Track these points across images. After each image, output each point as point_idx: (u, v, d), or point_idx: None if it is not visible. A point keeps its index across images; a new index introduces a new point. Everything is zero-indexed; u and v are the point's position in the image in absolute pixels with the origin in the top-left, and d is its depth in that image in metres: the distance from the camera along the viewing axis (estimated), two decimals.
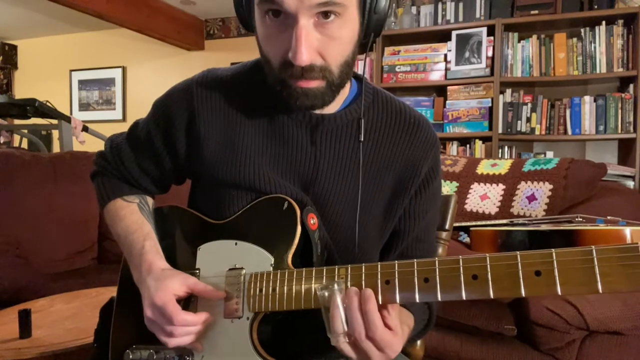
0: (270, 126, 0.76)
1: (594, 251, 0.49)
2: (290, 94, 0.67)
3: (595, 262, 0.49)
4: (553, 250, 0.51)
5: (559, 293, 0.50)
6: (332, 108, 0.76)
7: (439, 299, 0.56)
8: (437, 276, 0.56)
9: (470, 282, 0.54)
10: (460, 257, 0.56)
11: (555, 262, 0.51)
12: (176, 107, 0.78)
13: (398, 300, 0.58)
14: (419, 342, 0.99)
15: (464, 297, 0.55)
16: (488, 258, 0.54)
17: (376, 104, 0.80)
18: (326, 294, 0.59)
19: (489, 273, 0.54)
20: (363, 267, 0.61)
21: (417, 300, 0.57)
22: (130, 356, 0.72)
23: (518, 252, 0.53)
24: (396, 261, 0.59)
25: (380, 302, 0.58)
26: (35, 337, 1.24)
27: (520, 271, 0.52)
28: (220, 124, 0.77)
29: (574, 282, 0.50)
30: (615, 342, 1.38)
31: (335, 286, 0.59)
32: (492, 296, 0.53)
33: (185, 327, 0.66)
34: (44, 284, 1.91)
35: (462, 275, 0.55)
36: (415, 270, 0.57)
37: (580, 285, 0.50)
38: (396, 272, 0.58)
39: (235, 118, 0.77)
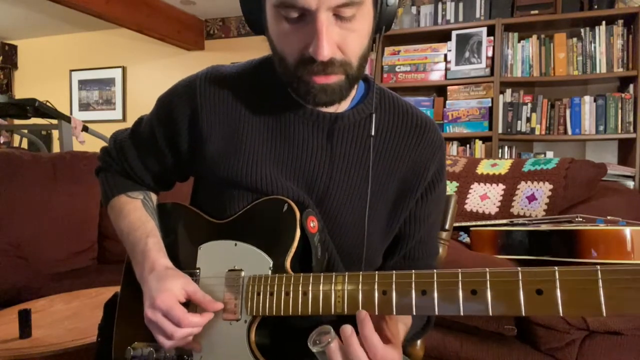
0: (276, 125, 0.75)
1: (599, 272, 0.47)
2: (308, 91, 0.66)
3: (600, 284, 0.47)
4: (556, 268, 0.49)
5: (561, 314, 0.48)
6: (341, 107, 0.75)
7: (436, 312, 0.54)
8: (435, 289, 0.54)
9: (469, 297, 0.53)
10: (460, 270, 0.54)
11: (557, 281, 0.49)
12: (179, 103, 0.77)
13: (394, 312, 0.57)
14: (419, 342, 0.99)
15: (462, 313, 0.52)
16: (488, 273, 0.52)
17: (383, 105, 0.79)
18: (320, 349, 0.57)
19: (489, 289, 0.51)
20: (360, 275, 0.60)
21: (414, 313, 0.56)
22: (132, 353, 0.72)
23: (519, 269, 0.51)
24: (394, 272, 0.58)
25: (377, 313, 0.58)
26: (35, 337, 1.24)
27: (521, 289, 0.50)
28: (224, 121, 0.76)
29: (577, 304, 0.48)
30: (615, 342, 1.38)
31: (329, 339, 0.57)
32: (490, 314, 0.51)
33: (188, 330, 0.66)
34: (44, 284, 1.91)
35: (460, 290, 0.53)
36: (413, 282, 0.56)
37: (583, 308, 0.47)
38: (394, 282, 0.57)
39: (239, 116, 0.76)
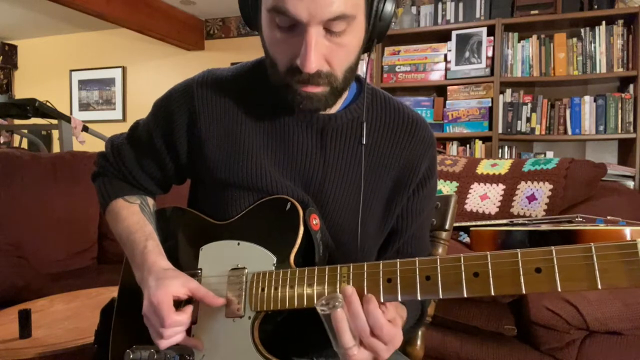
0: (272, 126, 0.77)
1: (593, 248, 0.50)
2: (294, 98, 0.68)
3: (595, 259, 0.49)
4: (553, 247, 0.52)
5: (559, 290, 0.51)
6: (334, 108, 0.76)
7: (441, 296, 0.56)
8: (439, 274, 0.56)
9: (471, 280, 0.55)
10: (462, 255, 0.56)
11: (555, 259, 0.51)
12: (176, 107, 0.78)
13: (400, 298, 0.59)
14: (419, 342, 0.99)
15: (465, 295, 0.55)
16: (489, 256, 0.55)
17: (375, 104, 0.80)
18: (327, 311, 0.58)
19: (490, 270, 0.54)
20: (365, 265, 0.61)
21: (419, 298, 0.58)
22: (131, 356, 0.72)
23: (519, 250, 0.53)
24: (398, 260, 0.60)
25: (382, 301, 0.59)
26: (35, 337, 1.24)
27: (521, 268, 0.52)
28: (222, 123, 0.77)
29: (574, 279, 0.50)
30: (615, 342, 1.38)
31: (337, 303, 0.58)
32: (493, 293, 0.53)
33: (175, 329, 0.66)
34: (44, 284, 1.91)
35: (463, 272, 0.55)
36: (417, 269, 0.58)
37: (580, 282, 0.50)
38: (398, 270, 0.59)
39: (237, 118, 0.77)
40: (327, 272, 0.63)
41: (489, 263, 0.54)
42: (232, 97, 0.78)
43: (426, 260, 0.58)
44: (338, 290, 0.62)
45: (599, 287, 0.49)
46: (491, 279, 0.54)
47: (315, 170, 0.76)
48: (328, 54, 0.65)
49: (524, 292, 0.52)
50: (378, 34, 0.69)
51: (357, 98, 0.79)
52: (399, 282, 0.58)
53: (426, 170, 0.80)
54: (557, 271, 0.51)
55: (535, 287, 0.52)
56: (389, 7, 0.68)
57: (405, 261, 0.59)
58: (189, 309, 0.68)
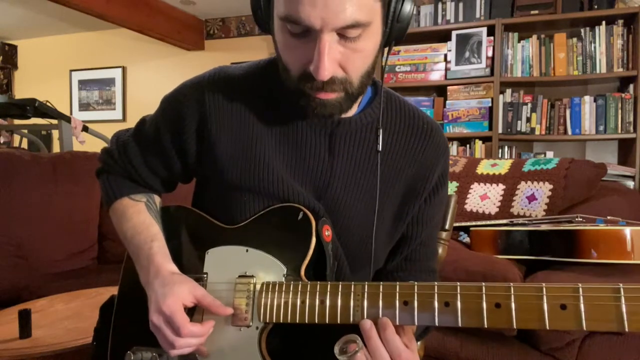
0: (285, 129, 0.74)
1: (622, 289, 0.48)
2: (308, 104, 0.66)
3: (623, 300, 0.48)
4: (580, 284, 0.50)
5: (584, 329, 0.49)
6: (349, 112, 0.74)
7: (460, 324, 0.54)
8: (459, 301, 0.55)
9: (492, 310, 0.53)
10: (484, 284, 0.54)
11: (581, 297, 0.49)
12: (187, 104, 0.76)
13: (416, 322, 0.57)
14: (419, 342, 0.99)
15: (486, 325, 0.53)
16: (512, 287, 0.53)
17: (390, 109, 0.78)
18: (346, 358, 0.58)
19: (513, 303, 0.52)
20: (381, 286, 0.60)
21: (437, 324, 0.56)
22: (132, 357, 0.71)
23: (544, 284, 0.52)
24: (415, 282, 0.58)
25: (398, 323, 0.58)
26: (35, 337, 1.24)
27: (545, 303, 0.51)
28: (233, 125, 0.75)
29: (600, 319, 0.49)
30: (615, 342, 1.38)
31: (357, 348, 0.57)
32: (515, 326, 0.52)
33: (189, 339, 0.65)
34: (44, 284, 1.91)
35: (484, 302, 0.53)
36: (436, 294, 0.56)
37: (606, 322, 0.48)
38: (415, 293, 0.57)
39: (249, 119, 0.75)
40: (340, 289, 0.61)
41: (512, 295, 0.52)
42: (244, 98, 0.75)
43: (446, 286, 0.56)
44: (351, 307, 0.61)
45: (626, 330, 0.47)
46: (514, 312, 0.52)
47: (324, 175, 0.74)
48: (343, 60, 0.62)
49: (547, 328, 0.50)
50: (396, 36, 0.67)
51: (372, 101, 0.77)
52: (416, 305, 0.57)
53: (439, 177, 0.79)
54: (582, 310, 0.49)
55: (559, 325, 0.50)
56: (407, 7, 0.65)
57: (424, 285, 0.58)
58: (209, 324, 0.67)
